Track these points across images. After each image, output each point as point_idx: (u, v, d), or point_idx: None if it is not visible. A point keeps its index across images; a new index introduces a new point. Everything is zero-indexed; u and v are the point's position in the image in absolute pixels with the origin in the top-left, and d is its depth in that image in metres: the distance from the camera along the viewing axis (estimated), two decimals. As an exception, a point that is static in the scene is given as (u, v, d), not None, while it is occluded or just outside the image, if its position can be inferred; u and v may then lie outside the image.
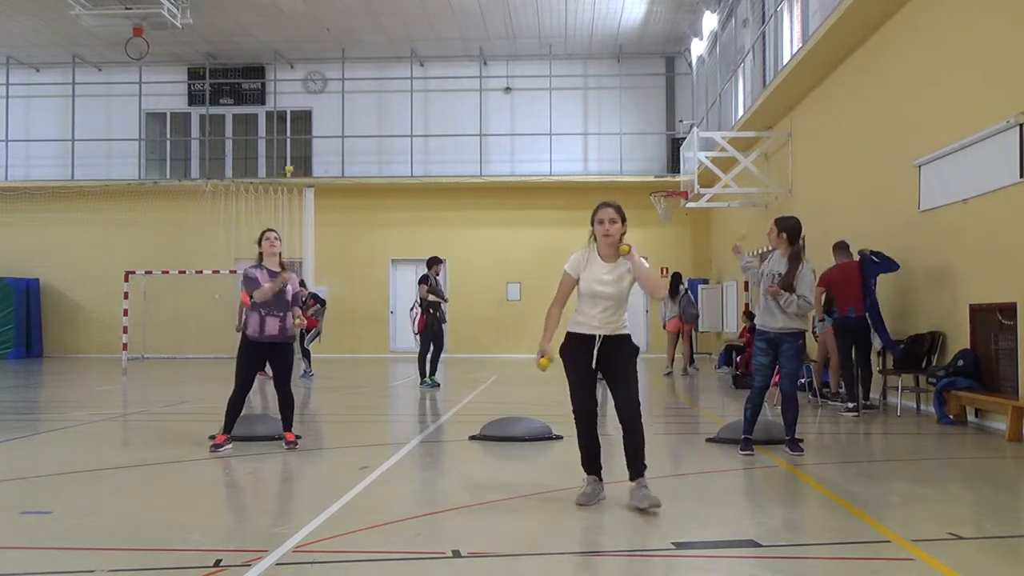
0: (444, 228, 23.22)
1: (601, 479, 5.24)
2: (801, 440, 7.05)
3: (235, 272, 21.67)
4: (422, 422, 9.92)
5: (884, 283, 10.27)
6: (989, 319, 8.53)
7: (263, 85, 24.12)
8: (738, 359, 14.70)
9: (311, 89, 24.21)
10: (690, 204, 18.23)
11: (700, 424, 9.22)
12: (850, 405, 9.65)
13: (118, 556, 4.09)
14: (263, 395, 11.93)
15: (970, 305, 8.86)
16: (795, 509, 5.23)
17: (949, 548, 4.23)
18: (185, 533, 4.46)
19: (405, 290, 22.21)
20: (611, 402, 5.47)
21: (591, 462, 5.23)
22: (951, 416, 8.76)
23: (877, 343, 10.23)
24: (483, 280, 22.90)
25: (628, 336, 5.28)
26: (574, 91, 23.85)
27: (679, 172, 20.42)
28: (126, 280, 20.57)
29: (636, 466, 5.04)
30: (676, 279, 16.32)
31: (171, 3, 18.11)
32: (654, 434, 8.73)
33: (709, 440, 7.56)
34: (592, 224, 5.26)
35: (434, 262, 13.53)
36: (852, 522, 4.78)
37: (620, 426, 5.14)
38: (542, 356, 5.18)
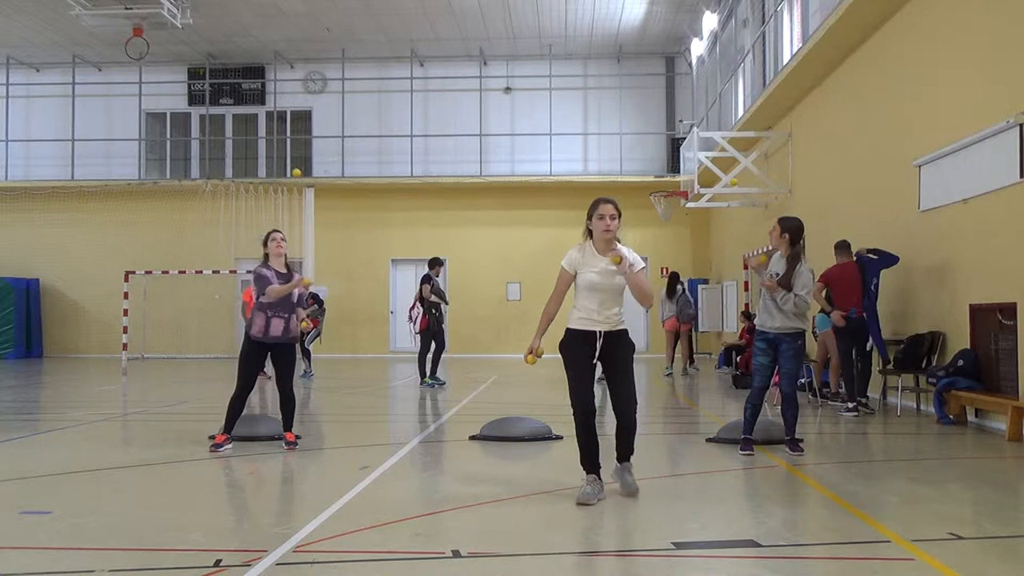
0: (444, 228, 23.22)
1: (600, 478, 5.27)
2: (801, 440, 7.05)
3: (235, 272, 21.70)
4: (422, 422, 9.92)
5: (885, 283, 10.27)
6: (989, 319, 8.53)
7: (263, 85, 24.12)
8: (738, 359, 14.70)
9: (311, 89, 24.21)
10: (690, 204, 18.22)
11: (700, 424, 9.22)
12: (850, 405, 9.65)
13: (118, 556, 4.10)
14: (263, 395, 11.93)
15: (970, 305, 8.86)
16: (795, 509, 5.23)
17: (949, 548, 4.23)
18: (185, 533, 4.46)
19: (405, 290, 22.22)
20: (609, 400, 5.55)
21: (591, 460, 5.26)
22: (951, 416, 8.76)
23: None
24: (483, 280, 22.90)
25: (627, 331, 5.38)
26: (574, 91, 23.85)
27: (679, 172, 20.42)
28: (126, 280, 20.56)
29: (624, 451, 5.38)
30: (674, 279, 16.32)
31: (171, 3, 18.11)
32: (654, 434, 8.73)
33: (709, 440, 7.56)
34: (589, 219, 5.36)
35: (435, 263, 13.59)
36: (852, 522, 4.78)
37: (616, 417, 5.35)
38: (530, 352, 5.30)
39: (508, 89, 23.90)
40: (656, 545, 4.33)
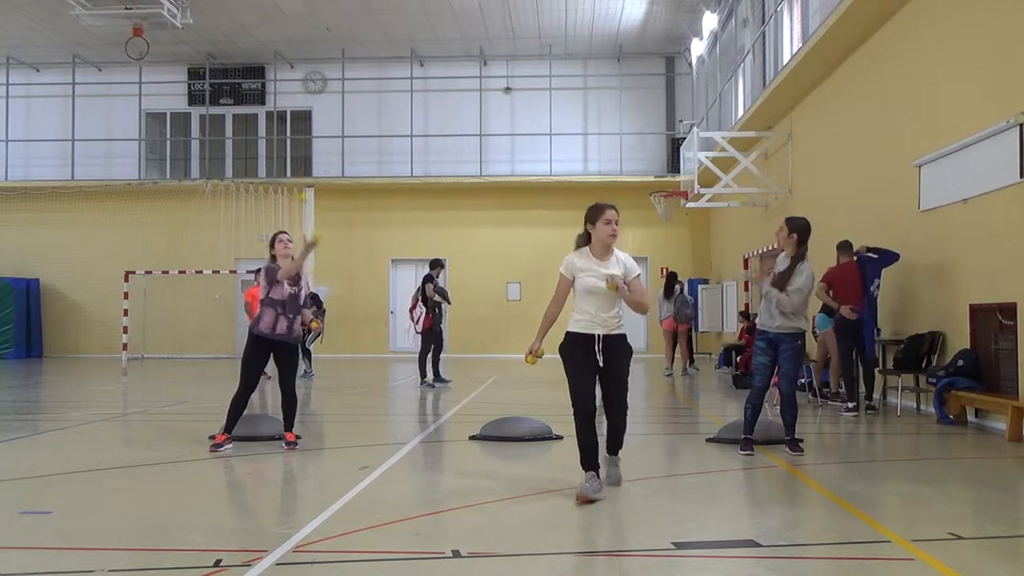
0: (444, 228, 23.23)
1: (599, 476, 5.31)
2: (801, 440, 7.05)
3: (235, 272, 21.70)
4: (422, 422, 9.92)
5: (885, 282, 10.27)
6: (989, 319, 8.53)
7: (263, 85, 24.12)
8: (738, 359, 14.70)
9: (311, 89, 24.22)
10: (690, 204, 18.23)
11: (700, 424, 9.21)
12: (850, 405, 9.65)
13: (118, 556, 4.10)
14: (263, 395, 11.93)
15: (970, 305, 8.86)
16: (795, 509, 5.23)
17: (949, 548, 4.23)
18: (185, 533, 4.46)
19: (405, 290, 22.20)
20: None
21: (590, 459, 5.30)
22: (951, 416, 8.76)
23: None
24: (483, 280, 22.91)
25: (625, 336, 5.49)
26: (574, 91, 23.86)
27: (679, 172, 20.43)
28: (126, 280, 20.58)
29: (614, 445, 5.63)
30: (671, 279, 16.33)
31: (171, 3, 18.11)
32: (654, 434, 8.74)
33: (709, 440, 7.56)
34: (591, 223, 5.44)
35: (435, 264, 13.69)
36: (852, 522, 4.78)
37: (607, 417, 5.54)
38: (530, 353, 5.45)
39: (508, 89, 23.90)
40: (656, 545, 4.32)
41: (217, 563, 3.89)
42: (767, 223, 16.37)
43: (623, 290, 5.29)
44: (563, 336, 5.44)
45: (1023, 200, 7.91)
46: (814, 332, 11.34)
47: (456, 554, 4.08)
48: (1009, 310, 8.11)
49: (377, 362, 21.06)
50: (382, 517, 4.75)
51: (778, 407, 7.27)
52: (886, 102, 11.11)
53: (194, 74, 24.27)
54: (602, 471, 5.46)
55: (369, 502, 5.29)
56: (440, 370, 13.67)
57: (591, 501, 5.11)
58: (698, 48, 21.36)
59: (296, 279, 7.30)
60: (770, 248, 15.55)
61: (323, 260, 21.55)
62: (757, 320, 7.24)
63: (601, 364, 5.34)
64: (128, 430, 9.18)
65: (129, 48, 18.97)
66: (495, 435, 7.66)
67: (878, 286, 9.95)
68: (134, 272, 20.79)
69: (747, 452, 6.85)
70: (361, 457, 6.95)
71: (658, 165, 23.45)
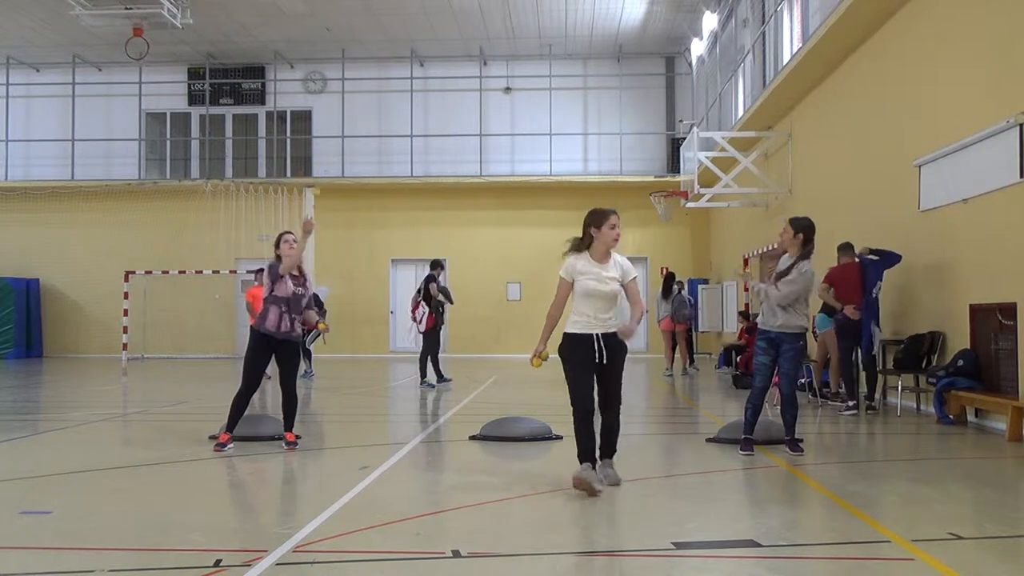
0: (444, 228, 23.23)
1: (595, 468, 5.48)
2: (801, 440, 7.05)
3: (235, 272, 21.70)
4: (422, 422, 9.92)
5: (885, 283, 10.25)
6: (989, 319, 8.53)
7: (263, 85, 24.12)
8: (738, 359, 14.70)
9: (311, 89, 24.21)
10: (690, 204, 18.23)
11: (700, 424, 9.21)
12: (850, 403, 9.65)
13: (118, 556, 4.10)
14: (262, 395, 11.92)
15: (970, 305, 8.86)
16: (795, 509, 5.23)
17: (949, 548, 4.23)
18: (185, 533, 4.46)
19: (405, 290, 22.19)
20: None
21: (587, 452, 5.48)
22: (951, 416, 8.76)
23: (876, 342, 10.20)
24: (483, 280, 22.90)
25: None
26: (574, 91, 23.85)
27: (679, 172, 20.42)
28: (126, 280, 20.57)
29: (609, 449, 5.70)
30: (669, 279, 16.33)
31: (171, 3, 18.10)
32: (654, 434, 8.74)
33: (709, 440, 7.55)
34: (596, 227, 5.57)
35: (436, 265, 13.73)
36: (852, 522, 4.78)
37: (600, 415, 5.65)
38: (536, 355, 5.62)
39: (508, 89, 23.90)
40: (656, 545, 4.32)
41: (217, 563, 3.89)
42: (767, 223, 16.38)
43: (627, 330, 5.53)
44: (562, 337, 5.57)
45: (1023, 200, 7.91)
46: (814, 332, 11.33)
47: (456, 554, 4.08)
48: (1009, 310, 8.11)
49: (377, 362, 21.06)
50: (382, 517, 4.75)
51: (778, 407, 7.26)
52: (886, 102, 11.11)
53: (194, 74, 24.26)
54: (599, 474, 5.56)
55: (369, 502, 5.29)
56: (441, 369, 13.66)
57: (587, 486, 5.27)
58: (698, 48, 21.37)
59: (302, 280, 7.31)
60: (770, 248, 15.55)
61: (323, 260, 21.58)
62: (759, 320, 7.23)
63: (605, 362, 5.48)
64: (128, 430, 9.18)
65: (129, 48, 18.97)
66: (495, 435, 7.66)
67: (879, 288, 9.93)
68: (134, 272, 20.78)
69: (747, 452, 6.85)
70: (361, 457, 6.95)
71: (658, 165, 23.45)
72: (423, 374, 13.40)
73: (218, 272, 21.20)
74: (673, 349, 16.22)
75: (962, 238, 9.07)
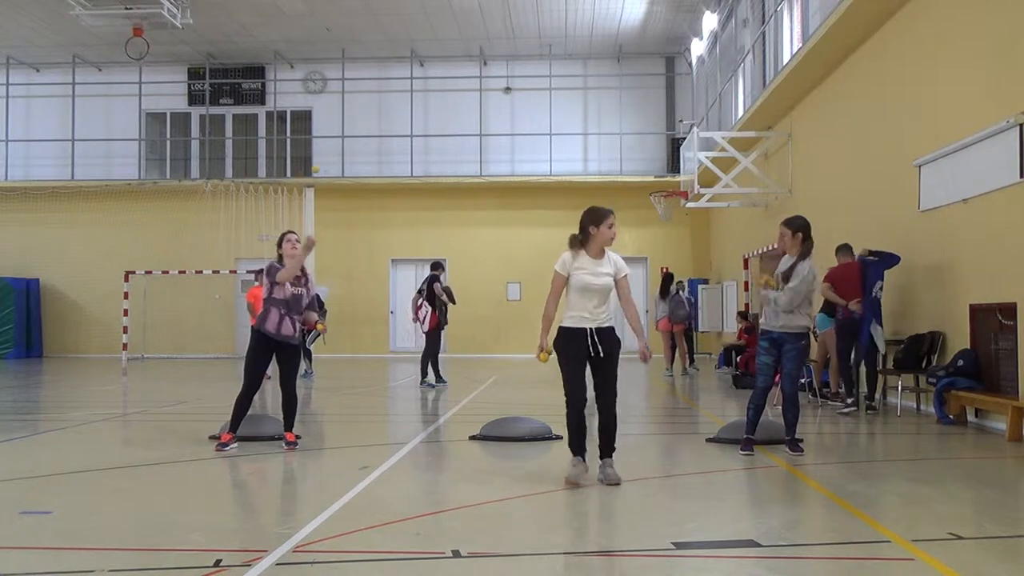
0: (444, 228, 23.23)
1: (585, 460, 5.67)
2: (801, 440, 7.05)
3: (235, 272, 21.70)
4: (422, 422, 9.92)
5: (885, 283, 10.25)
6: (989, 319, 8.53)
7: (263, 85, 24.12)
8: (738, 359, 14.70)
9: (311, 89, 24.21)
10: (690, 204, 18.23)
11: (700, 424, 9.21)
12: (849, 401, 9.65)
13: (118, 556, 4.10)
14: (263, 395, 11.92)
15: (970, 305, 8.85)
16: (795, 509, 5.23)
17: (949, 548, 4.23)
18: (185, 533, 4.46)
19: (405, 290, 22.21)
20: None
21: (579, 443, 5.68)
22: (951, 416, 8.76)
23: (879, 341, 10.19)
24: (483, 280, 22.89)
25: (613, 328, 5.82)
26: (574, 91, 23.85)
27: (679, 172, 20.42)
28: (126, 280, 20.56)
29: (608, 448, 5.72)
30: (667, 280, 16.32)
31: (171, 3, 18.10)
32: (655, 434, 8.74)
33: (709, 440, 7.55)
34: (595, 226, 5.71)
35: (437, 266, 13.76)
36: (852, 522, 4.78)
37: (598, 411, 5.71)
38: (542, 351, 5.75)
39: (508, 89, 23.90)
40: (656, 545, 4.32)
41: (217, 563, 3.89)
42: (767, 223, 16.37)
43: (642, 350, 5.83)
44: (557, 331, 5.73)
45: (1023, 200, 7.91)
46: (814, 332, 11.32)
47: (456, 554, 4.08)
48: (1009, 310, 8.11)
49: (377, 362, 21.06)
50: (382, 517, 4.75)
51: (779, 407, 7.26)
52: (886, 102, 11.11)
53: (194, 74, 24.26)
54: (598, 474, 5.67)
55: (369, 502, 5.29)
56: (440, 370, 13.69)
57: (577, 485, 5.49)
58: (698, 48, 21.36)
59: (303, 280, 7.30)
60: (770, 248, 15.54)
61: (323, 260, 21.57)
62: (761, 319, 7.23)
63: (600, 354, 5.65)
64: (128, 430, 9.18)
65: (129, 48, 18.97)
66: (495, 435, 7.66)
67: (881, 288, 9.92)
68: (134, 272, 20.78)
69: (747, 452, 6.85)
70: (361, 457, 6.95)
71: (658, 165, 23.45)
72: (424, 374, 13.41)
73: (218, 272, 21.20)
74: (673, 349, 16.21)
75: (962, 238, 9.07)
